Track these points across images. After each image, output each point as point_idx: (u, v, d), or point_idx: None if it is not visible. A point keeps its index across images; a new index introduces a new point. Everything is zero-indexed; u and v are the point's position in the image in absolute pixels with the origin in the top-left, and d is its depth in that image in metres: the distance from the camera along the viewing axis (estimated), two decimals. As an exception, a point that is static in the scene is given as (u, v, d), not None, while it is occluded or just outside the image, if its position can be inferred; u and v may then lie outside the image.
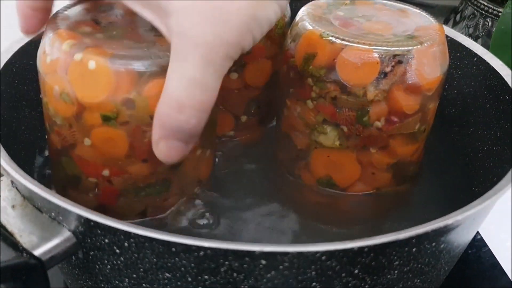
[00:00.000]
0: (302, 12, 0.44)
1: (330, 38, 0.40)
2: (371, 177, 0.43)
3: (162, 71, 0.34)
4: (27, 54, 0.44)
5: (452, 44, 0.48)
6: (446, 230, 0.30)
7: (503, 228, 0.54)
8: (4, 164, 0.33)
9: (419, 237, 0.28)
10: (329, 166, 0.43)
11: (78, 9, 0.39)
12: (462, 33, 0.54)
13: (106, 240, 0.29)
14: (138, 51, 0.35)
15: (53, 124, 0.38)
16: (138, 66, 0.34)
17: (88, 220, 0.28)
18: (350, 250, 0.27)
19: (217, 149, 0.46)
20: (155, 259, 0.29)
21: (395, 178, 0.44)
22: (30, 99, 0.44)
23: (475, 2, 0.61)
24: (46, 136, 0.40)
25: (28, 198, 0.33)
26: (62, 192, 0.40)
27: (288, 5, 0.50)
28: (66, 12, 0.38)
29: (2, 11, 0.68)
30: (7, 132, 0.41)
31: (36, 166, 0.45)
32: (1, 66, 0.43)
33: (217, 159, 0.46)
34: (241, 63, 0.48)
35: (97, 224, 0.28)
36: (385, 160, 0.43)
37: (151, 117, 0.35)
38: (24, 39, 0.46)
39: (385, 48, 0.39)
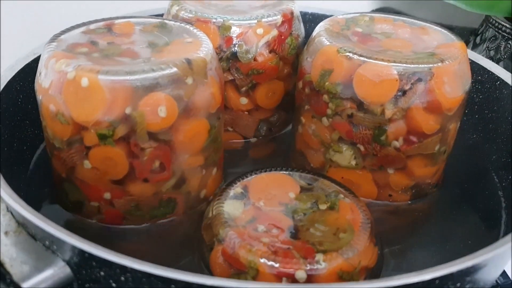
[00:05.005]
0: (320, 28, 0.42)
1: (348, 53, 0.38)
2: (388, 199, 0.41)
3: (157, 84, 0.33)
4: (32, 72, 0.42)
5: (474, 67, 0.45)
6: (473, 269, 0.27)
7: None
8: (-2, 188, 0.31)
9: (442, 278, 0.25)
10: (344, 186, 0.41)
11: (75, 32, 0.38)
12: (482, 56, 0.51)
13: (102, 273, 0.27)
14: (132, 66, 0.34)
15: (53, 148, 0.36)
16: (132, 80, 0.33)
17: (82, 252, 0.26)
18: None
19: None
20: (153, 296, 0.26)
21: (413, 201, 0.42)
22: (33, 118, 0.43)
23: (497, 24, 0.58)
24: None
25: (23, 224, 0.31)
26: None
27: (302, 25, 0.49)
28: (63, 36, 0.37)
29: (8, 28, 0.67)
30: (8, 152, 0.39)
31: (39, 190, 0.43)
32: (5, 83, 0.41)
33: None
34: (252, 83, 0.46)
35: (91, 256, 0.26)
36: (403, 182, 0.40)
37: (149, 134, 0.33)
38: (29, 57, 0.44)
39: (404, 65, 0.37)
